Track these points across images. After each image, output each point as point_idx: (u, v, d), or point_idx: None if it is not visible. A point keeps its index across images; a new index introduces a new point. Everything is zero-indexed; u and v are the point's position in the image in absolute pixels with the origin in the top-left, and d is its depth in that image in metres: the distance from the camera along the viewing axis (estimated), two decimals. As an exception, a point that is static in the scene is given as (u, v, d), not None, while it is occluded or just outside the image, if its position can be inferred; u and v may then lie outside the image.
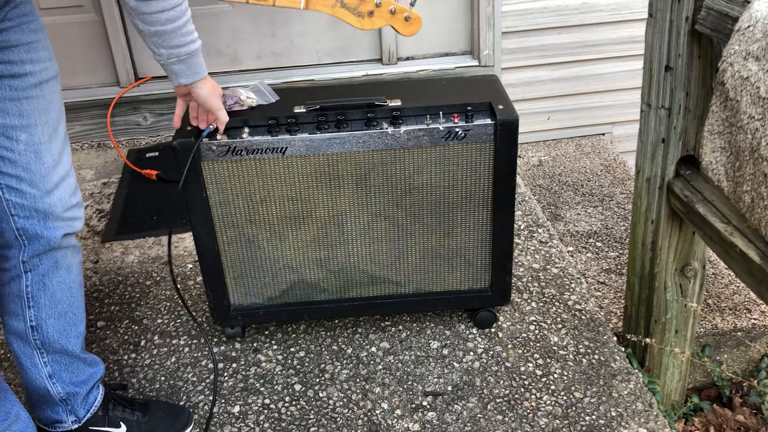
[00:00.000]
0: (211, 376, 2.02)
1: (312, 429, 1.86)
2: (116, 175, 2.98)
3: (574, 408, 1.89)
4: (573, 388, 1.95)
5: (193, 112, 1.79)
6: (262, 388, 1.98)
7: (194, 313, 2.23)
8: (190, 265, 2.43)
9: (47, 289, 1.61)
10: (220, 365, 2.06)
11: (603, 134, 3.47)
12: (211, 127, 1.79)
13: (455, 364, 2.03)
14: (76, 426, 1.74)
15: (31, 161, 1.49)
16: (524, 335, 2.12)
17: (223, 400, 1.94)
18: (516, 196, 1.97)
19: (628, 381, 1.97)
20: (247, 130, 1.81)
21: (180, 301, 2.23)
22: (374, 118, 1.82)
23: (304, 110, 1.84)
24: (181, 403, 1.94)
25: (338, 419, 1.88)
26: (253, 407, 1.93)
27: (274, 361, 2.06)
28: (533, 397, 1.93)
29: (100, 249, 2.55)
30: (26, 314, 1.61)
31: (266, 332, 2.16)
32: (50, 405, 1.71)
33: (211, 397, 1.95)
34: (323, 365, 2.04)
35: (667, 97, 1.84)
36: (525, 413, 1.88)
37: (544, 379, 1.98)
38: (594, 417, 1.87)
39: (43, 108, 1.50)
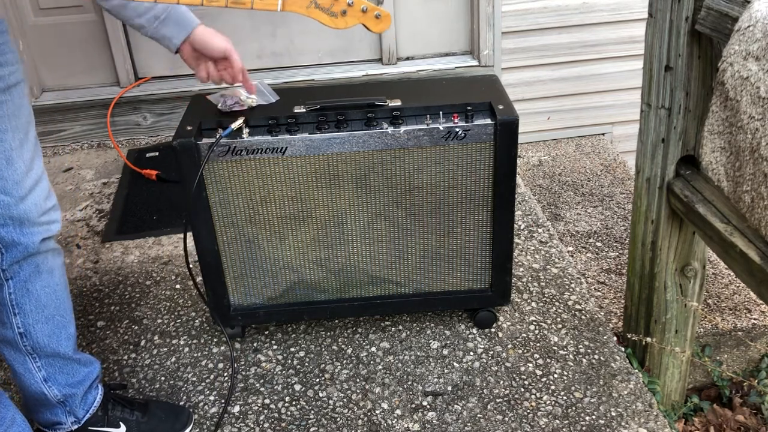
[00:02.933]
0: (212, 376, 2.02)
1: (312, 429, 1.86)
2: (116, 175, 2.98)
3: (574, 408, 1.89)
4: (573, 388, 1.95)
5: (202, 72, 1.68)
6: (262, 388, 1.98)
7: (194, 314, 2.23)
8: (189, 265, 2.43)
9: (31, 295, 1.59)
10: (220, 365, 2.06)
11: (603, 134, 3.47)
12: (232, 127, 1.78)
13: (455, 364, 2.03)
14: (75, 426, 1.74)
15: (3, 168, 1.45)
16: (524, 335, 2.12)
17: (222, 400, 1.94)
18: (516, 196, 1.97)
19: (628, 381, 1.96)
20: (247, 130, 1.81)
21: (200, 296, 2.22)
22: (374, 118, 1.82)
23: (304, 110, 1.84)
24: (181, 403, 1.94)
25: (338, 419, 1.88)
26: (253, 407, 1.93)
27: (274, 361, 2.06)
28: (533, 397, 1.93)
29: (100, 249, 2.55)
30: (13, 321, 1.59)
31: (266, 332, 2.16)
32: (48, 408, 1.71)
33: (211, 398, 1.96)
34: (323, 365, 2.04)
35: (667, 97, 1.84)
36: (525, 413, 1.88)
37: (544, 379, 1.97)
38: (594, 417, 1.87)
39: (13, 113, 1.46)
